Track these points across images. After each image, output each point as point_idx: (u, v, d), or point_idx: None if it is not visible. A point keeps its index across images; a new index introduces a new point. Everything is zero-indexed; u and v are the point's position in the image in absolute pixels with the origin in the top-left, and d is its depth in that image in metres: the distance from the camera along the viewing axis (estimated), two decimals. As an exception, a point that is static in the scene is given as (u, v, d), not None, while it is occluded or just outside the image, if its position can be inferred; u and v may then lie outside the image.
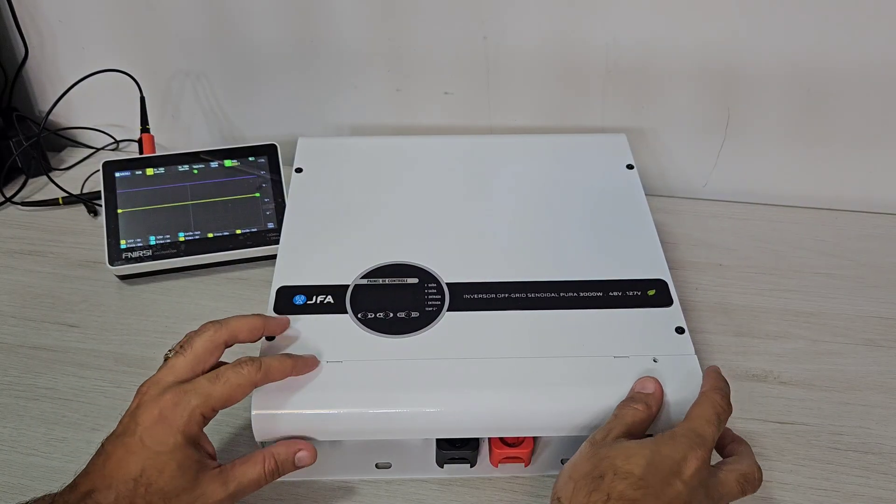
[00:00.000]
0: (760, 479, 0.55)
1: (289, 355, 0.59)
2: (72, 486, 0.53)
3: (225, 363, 0.57)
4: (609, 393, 0.59)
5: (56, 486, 0.64)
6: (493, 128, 0.95)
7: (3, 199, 0.92)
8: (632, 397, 0.58)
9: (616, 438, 0.54)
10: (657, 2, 0.81)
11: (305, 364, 0.59)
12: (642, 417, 0.56)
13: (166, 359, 0.58)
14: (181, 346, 0.56)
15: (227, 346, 0.58)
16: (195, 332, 0.58)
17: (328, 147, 0.82)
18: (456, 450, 0.62)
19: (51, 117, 0.98)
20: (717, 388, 0.58)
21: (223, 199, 0.83)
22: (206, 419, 0.54)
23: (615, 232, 0.73)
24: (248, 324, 0.59)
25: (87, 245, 0.86)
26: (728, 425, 0.68)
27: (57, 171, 0.98)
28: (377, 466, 0.65)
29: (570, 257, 0.70)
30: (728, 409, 0.56)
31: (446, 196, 0.76)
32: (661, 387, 0.59)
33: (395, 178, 0.78)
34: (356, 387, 0.60)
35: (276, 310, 0.65)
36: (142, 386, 0.55)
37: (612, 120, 0.92)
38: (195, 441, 0.54)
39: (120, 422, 0.54)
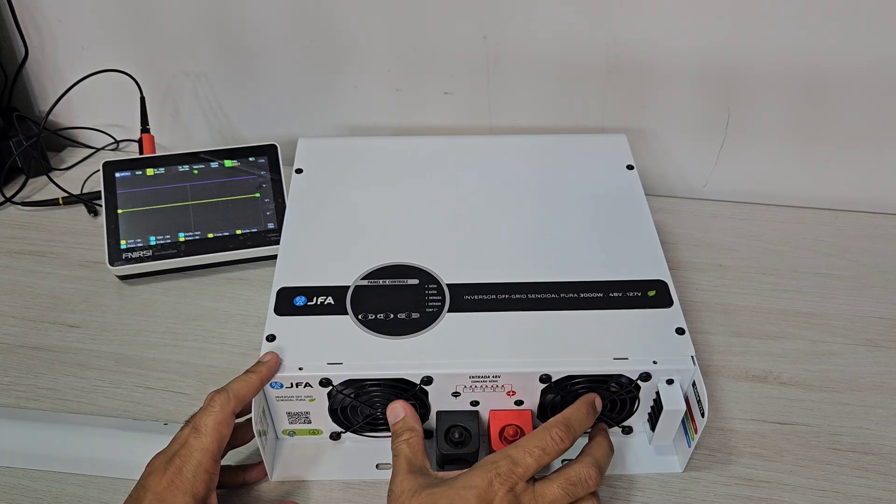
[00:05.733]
0: (594, 478, 0.57)
1: (251, 370, 0.60)
2: None
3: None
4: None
5: (54, 487, 0.65)
6: (493, 128, 0.95)
7: (3, 199, 0.92)
8: (395, 432, 0.61)
9: (403, 479, 0.57)
10: (657, 2, 0.81)
11: (269, 369, 0.60)
12: (415, 443, 0.59)
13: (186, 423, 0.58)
14: (194, 427, 0.57)
15: (236, 414, 0.58)
16: (203, 409, 0.58)
17: (328, 147, 0.82)
18: (456, 450, 0.62)
19: (51, 117, 0.98)
20: (559, 423, 0.58)
21: (223, 200, 0.83)
22: (211, 473, 0.56)
23: (615, 232, 0.73)
24: (249, 384, 0.59)
25: (87, 245, 0.86)
26: (729, 426, 0.69)
27: (57, 171, 0.98)
28: (377, 467, 0.65)
29: (570, 258, 0.70)
30: (559, 444, 0.57)
31: (446, 196, 0.76)
32: (409, 407, 0.62)
33: (395, 179, 0.78)
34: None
35: (276, 311, 0.65)
36: (152, 459, 0.57)
37: (612, 120, 0.92)
38: (204, 501, 0.55)
39: (129, 495, 0.55)
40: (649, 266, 0.69)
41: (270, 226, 0.83)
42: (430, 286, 0.67)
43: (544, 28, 0.85)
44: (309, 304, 0.66)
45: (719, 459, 0.66)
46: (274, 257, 0.71)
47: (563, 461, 0.64)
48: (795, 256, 0.86)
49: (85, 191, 0.94)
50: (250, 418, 0.61)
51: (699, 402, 0.61)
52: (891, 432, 0.69)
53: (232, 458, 0.66)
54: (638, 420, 0.66)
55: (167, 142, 1.01)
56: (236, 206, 0.83)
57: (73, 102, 0.98)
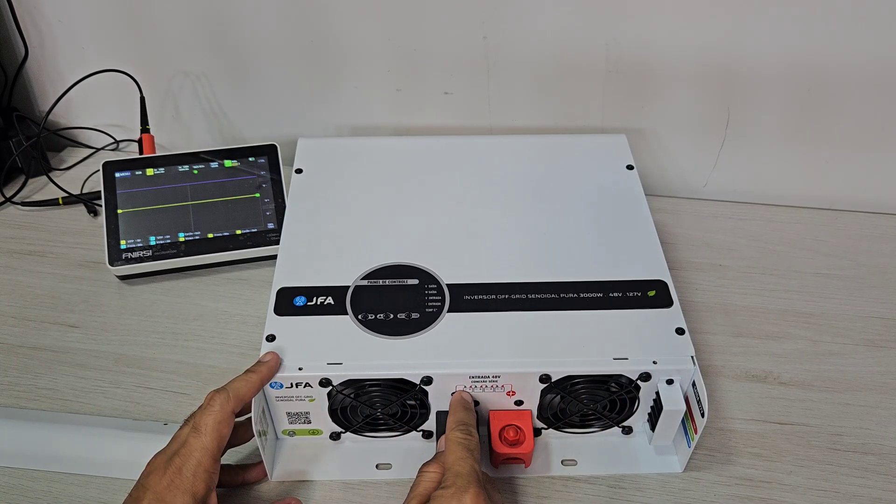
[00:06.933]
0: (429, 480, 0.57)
1: (251, 370, 0.60)
2: None
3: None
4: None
5: (54, 487, 0.65)
6: (493, 128, 0.95)
7: (3, 199, 0.92)
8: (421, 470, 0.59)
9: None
10: (657, 2, 0.81)
11: (270, 369, 0.60)
12: (436, 480, 0.57)
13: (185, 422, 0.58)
14: (194, 426, 0.57)
15: (235, 414, 0.58)
16: (202, 408, 0.58)
17: (328, 147, 0.82)
18: (456, 450, 0.62)
19: (51, 117, 0.98)
20: (454, 425, 0.60)
21: (223, 200, 0.83)
22: (211, 473, 0.56)
23: (615, 232, 0.73)
24: (248, 383, 0.59)
25: (87, 245, 0.86)
26: (729, 426, 0.69)
27: (57, 171, 0.98)
28: (377, 467, 0.65)
29: (570, 258, 0.70)
30: (473, 437, 0.59)
31: (446, 196, 0.76)
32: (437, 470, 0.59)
33: (395, 179, 0.78)
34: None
35: (276, 311, 0.65)
36: (152, 459, 0.57)
37: (612, 120, 0.92)
38: (203, 500, 0.55)
39: (129, 494, 0.55)
40: (649, 266, 0.69)
41: (270, 226, 0.83)
42: (429, 286, 0.67)
43: (544, 28, 0.85)
44: (309, 304, 0.66)
45: (719, 459, 0.66)
46: (274, 257, 0.71)
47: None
48: (795, 256, 0.86)
49: (85, 191, 0.94)
50: (250, 417, 0.61)
51: (699, 402, 0.61)
52: (891, 432, 0.69)
53: (231, 457, 0.66)
54: (638, 420, 0.66)
55: (167, 142, 1.01)
56: (236, 206, 0.83)
57: (73, 102, 0.98)
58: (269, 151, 0.86)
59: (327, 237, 0.72)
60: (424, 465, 0.59)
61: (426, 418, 0.65)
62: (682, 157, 0.94)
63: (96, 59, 0.93)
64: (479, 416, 0.64)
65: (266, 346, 0.62)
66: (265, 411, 0.63)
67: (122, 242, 0.80)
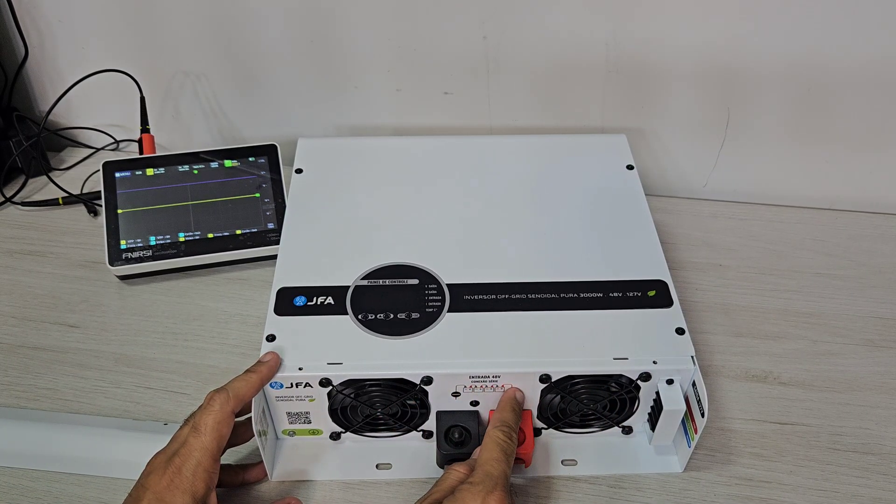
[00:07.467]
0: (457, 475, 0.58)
1: (251, 370, 0.60)
2: None
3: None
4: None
5: (54, 487, 0.65)
6: (493, 128, 0.95)
7: (3, 199, 0.92)
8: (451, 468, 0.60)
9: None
10: (658, 2, 0.81)
11: (269, 369, 0.60)
12: (461, 480, 0.58)
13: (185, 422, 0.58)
14: (194, 426, 0.57)
15: (235, 414, 0.58)
16: (202, 407, 0.58)
17: (328, 147, 0.82)
18: (456, 450, 0.62)
19: (51, 117, 0.98)
20: (498, 423, 0.60)
21: (223, 200, 0.83)
22: (210, 472, 0.56)
23: (615, 232, 0.73)
24: (248, 383, 0.59)
25: (87, 245, 0.86)
26: (729, 426, 0.69)
27: (57, 171, 0.98)
28: (377, 467, 0.65)
29: (570, 258, 0.70)
30: (513, 441, 0.60)
31: (446, 196, 0.76)
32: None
33: (396, 179, 0.78)
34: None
35: (276, 311, 0.65)
36: (152, 459, 0.57)
37: (612, 120, 0.92)
38: (203, 500, 0.55)
39: (129, 494, 0.55)
40: (649, 266, 0.69)
41: (270, 226, 0.83)
42: (430, 286, 0.67)
43: (544, 28, 0.85)
44: (309, 304, 0.66)
45: (719, 459, 0.66)
46: (274, 257, 0.71)
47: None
48: (795, 256, 0.86)
49: (85, 191, 0.94)
50: (250, 417, 0.61)
51: (699, 402, 0.61)
52: (891, 432, 0.69)
53: (231, 457, 0.66)
54: (638, 420, 0.66)
55: (167, 142, 1.01)
56: (236, 206, 0.83)
57: (73, 102, 0.98)
58: (269, 151, 0.86)
59: (327, 237, 0.72)
60: (455, 464, 0.59)
61: (426, 418, 0.65)
62: (682, 157, 0.94)
63: (96, 59, 0.93)
64: (479, 416, 0.65)
65: (266, 346, 0.62)
66: (265, 411, 0.63)
67: (122, 242, 0.80)
